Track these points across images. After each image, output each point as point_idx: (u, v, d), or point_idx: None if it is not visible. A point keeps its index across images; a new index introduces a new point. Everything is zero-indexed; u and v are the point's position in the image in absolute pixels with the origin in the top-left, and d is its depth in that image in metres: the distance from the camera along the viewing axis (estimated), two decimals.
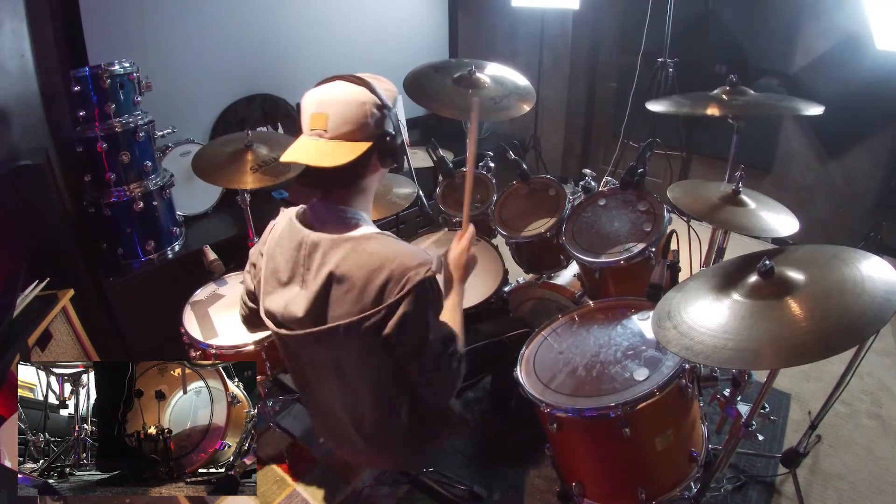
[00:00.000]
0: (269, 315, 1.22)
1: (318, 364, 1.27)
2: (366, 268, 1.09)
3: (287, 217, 1.22)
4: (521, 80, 2.29)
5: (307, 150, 1.11)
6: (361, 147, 1.11)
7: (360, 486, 1.86)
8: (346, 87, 1.12)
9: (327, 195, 1.20)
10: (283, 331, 1.19)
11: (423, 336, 1.14)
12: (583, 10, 3.49)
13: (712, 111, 1.83)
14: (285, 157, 1.13)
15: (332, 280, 1.11)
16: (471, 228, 1.43)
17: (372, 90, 1.12)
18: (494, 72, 2.30)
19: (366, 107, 1.11)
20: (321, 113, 1.11)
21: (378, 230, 1.18)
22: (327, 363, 1.24)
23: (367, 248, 1.11)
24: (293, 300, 1.16)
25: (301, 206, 1.24)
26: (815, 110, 1.71)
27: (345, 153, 1.10)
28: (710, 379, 1.40)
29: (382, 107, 1.13)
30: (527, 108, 2.18)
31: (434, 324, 1.17)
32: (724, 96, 1.88)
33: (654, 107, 1.94)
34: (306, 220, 1.19)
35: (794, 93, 2.83)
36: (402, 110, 1.24)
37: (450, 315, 1.31)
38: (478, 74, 2.23)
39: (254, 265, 1.29)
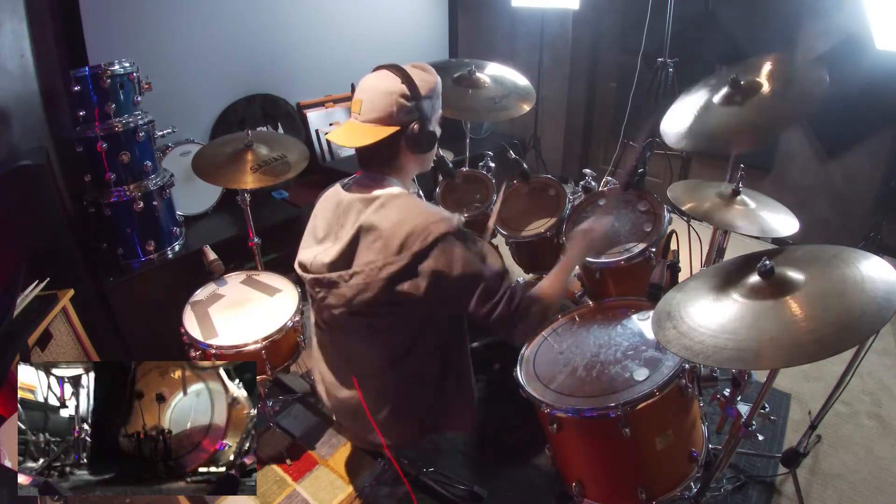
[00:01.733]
0: (301, 265, 1.35)
1: (340, 320, 1.32)
2: (391, 220, 1.20)
3: (334, 186, 1.37)
4: (521, 80, 2.30)
5: (343, 131, 1.28)
6: (385, 132, 1.23)
7: (360, 486, 1.86)
8: (383, 76, 1.25)
9: (369, 170, 1.32)
10: (309, 275, 1.30)
11: (467, 279, 1.20)
12: (583, 10, 3.49)
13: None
14: (329, 136, 1.34)
15: (360, 231, 1.22)
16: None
17: (405, 80, 1.23)
18: (494, 72, 2.30)
19: (392, 96, 1.22)
20: (358, 98, 1.26)
21: (407, 191, 1.29)
22: (347, 319, 1.30)
23: (394, 202, 1.23)
24: (324, 251, 1.28)
25: (348, 179, 1.36)
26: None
27: (368, 136, 1.23)
28: (710, 379, 1.40)
29: (410, 97, 1.23)
30: (527, 108, 2.18)
31: (478, 263, 1.22)
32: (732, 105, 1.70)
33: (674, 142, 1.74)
34: (349, 188, 1.32)
35: None
36: (440, 100, 1.33)
37: (556, 274, 1.38)
38: (478, 74, 2.24)
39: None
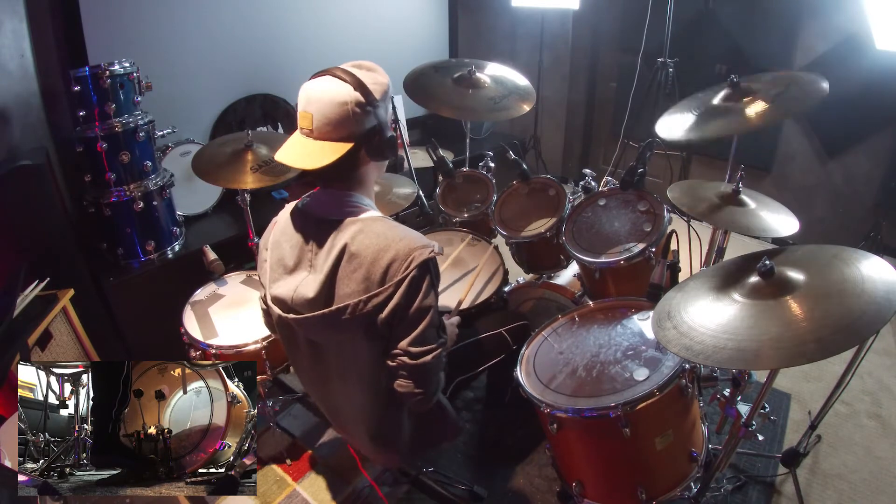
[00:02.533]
0: (277, 301, 1.23)
1: (320, 353, 1.28)
2: (373, 247, 1.12)
3: (289, 209, 1.27)
4: (521, 80, 2.30)
5: (295, 151, 1.15)
6: (344, 147, 1.13)
7: (360, 486, 1.86)
8: (332, 84, 1.13)
9: (328, 186, 1.23)
10: (291, 315, 1.19)
11: (421, 315, 1.15)
12: (583, 10, 3.49)
13: (723, 129, 1.70)
14: (277, 156, 1.18)
15: (341, 259, 1.14)
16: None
17: (358, 86, 1.12)
18: (494, 72, 2.30)
19: (347, 106, 1.11)
20: (307, 112, 1.13)
21: (382, 214, 1.22)
22: (332, 350, 1.26)
23: (373, 228, 1.15)
24: (303, 283, 1.18)
25: (304, 197, 1.27)
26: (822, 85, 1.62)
27: (328, 154, 1.12)
28: (710, 379, 1.40)
29: (366, 104, 1.13)
30: (527, 108, 2.18)
31: (433, 306, 1.18)
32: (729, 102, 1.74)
33: (665, 132, 1.79)
34: (311, 209, 1.23)
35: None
36: (398, 101, 1.26)
37: None
38: (478, 74, 2.24)
39: (264, 261, 1.30)
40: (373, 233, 1.14)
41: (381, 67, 1.23)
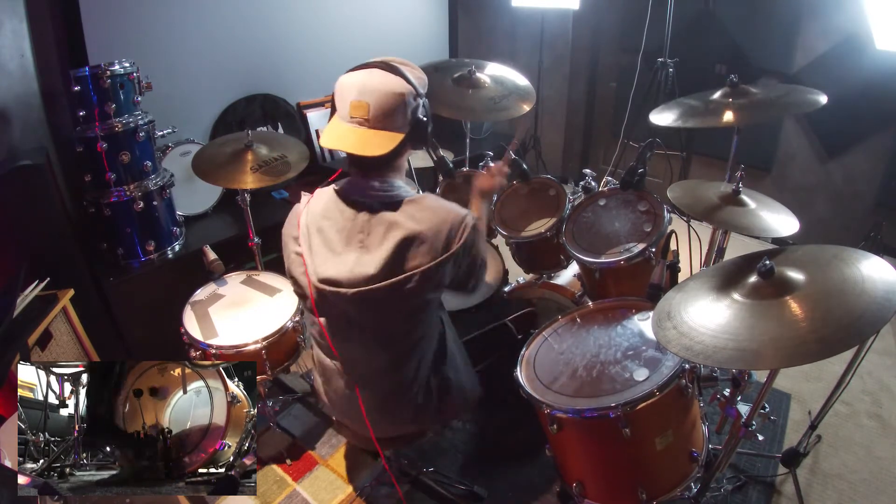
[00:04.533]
0: (328, 281, 1.25)
1: (363, 327, 1.33)
2: (431, 223, 1.23)
3: (327, 194, 1.31)
4: (521, 80, 2.29)
5: (350, 139, 1.20)
6: (399, 136, 1.21)
7: (360, 486, 1.86)
8: (385, 76, 1.19)
9: (366, 174, 1.28)
10: (350, 290, 1.23)
11: (475, 261, 1.35)
12: (583, 10, 3.49)
13: (719, 121, 1.75)
14: (325, 143, 1.22)
15: (404, 240, 1.22)
16: (500, 165, 1.67)
17: (407, 80, 1.20)
18: (494, 72, 2.30)
19: (404, 97, 1.19)
20: (362, 101, 1.17)
21: (419, 193, 1.33)
22: (370, 325, 1.32)
23: (426, 205, 1.26)
24: (359, 262, 1.23)
25: (339, 183, 1.32)
26: (819, 99, 1.68)
27: (386, 142, 1.19)
28: (710, 379, 1.40)
29: (417, 95, 1.22)
30: (527, 108, 2.18)
31: (482, 253, 1.38)
32: (728, 99, 1.80)
33: (658, 119, 1.88)
34: (353, 195, 1.28)
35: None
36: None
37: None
38: (478, 74, 2.23)
39: (297, 254, 1.31)
40: (428, 209, 1.25)
41: None
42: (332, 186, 1.32)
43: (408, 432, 1.54)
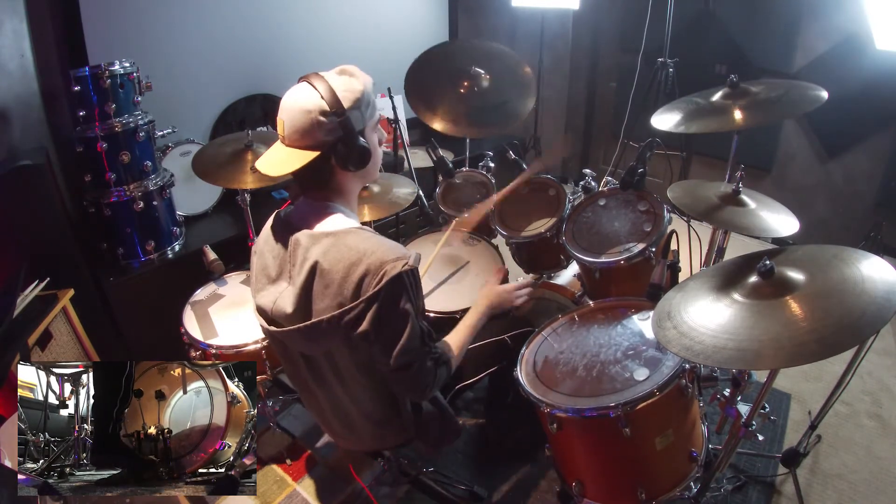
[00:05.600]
0: (261, 311, 1.24)
1: (312, 359, 1.28)
2: (344, 261, 1.11)
3: (275, 217, 1.27)
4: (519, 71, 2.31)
5: (268, 157, 1.18)
6: (310, 155, 1.12)
7: (359, 486, 1.86)
8: (302, 92, 1.13)
9: (308, 194, 1.23)
10: (272, 328, 1.21)
11: (400, 328, 1.15)
12: (583, 10, 3.49)
13: (723, 125, 1.71)
14: (257, 164, 1.21)
15: (314, 274, 1.13)
16: (529, 281, 1.50)
17: (327, 93, 1.11)
18: (493, 65, 2.33)
19: (312, 115, 1.10)
20: (280, 119, 1.15)
21: (359, 225, 1.21)
22: (320, 358, 1.26)
23: (346, 242, 1.13)
24: (282, 296, 1.18)
25: (288, 205, 1.28)
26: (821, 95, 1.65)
27: (294, 161, 1.13)
28: (710, 379, 1.40)
29: (331, 112, 1.11)
30: (530, 103, 2.21)
31: (412, 317, 1.16)
32: (729, 101, 1.75)
33: (660, 123, 1.82)
34: (291, 218, 1.22)
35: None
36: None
37: (460, 332, 1.39)
38: (476, 69, 2.26)
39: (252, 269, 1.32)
40: (344, 246, 1.12)
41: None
42: (285, 208, 1.27)
43: (384, 446, 1.52)
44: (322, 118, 1.11)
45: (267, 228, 1.27)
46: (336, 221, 1.19)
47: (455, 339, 1.39)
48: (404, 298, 1.13)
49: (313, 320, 1.13)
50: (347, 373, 1.26)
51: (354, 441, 1.47)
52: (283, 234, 1.20)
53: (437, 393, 1.43)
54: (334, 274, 1.11)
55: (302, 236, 1.16)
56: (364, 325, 1.11)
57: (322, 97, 1.11)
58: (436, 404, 1.46)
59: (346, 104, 1.12)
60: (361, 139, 1.16)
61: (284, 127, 1.14)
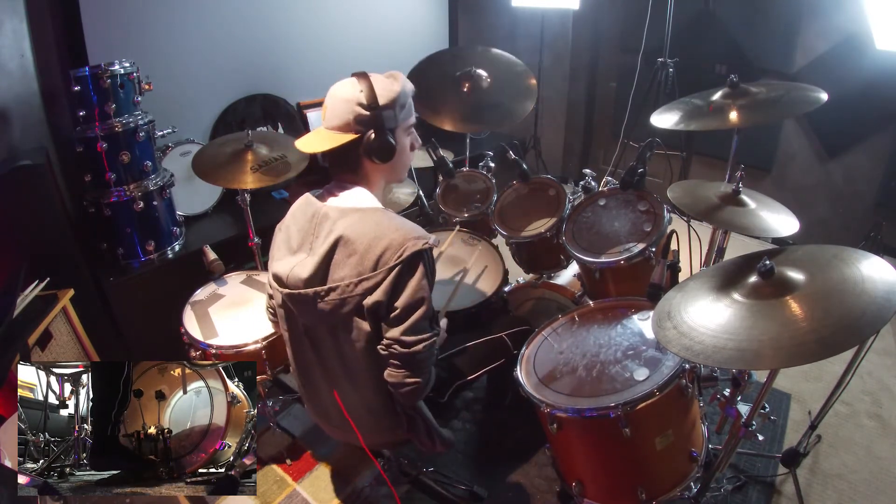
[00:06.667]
0: (276, 278, 1.32)
1: (317, 340, 1.32)
2: (368, 235, 1.19)
3: (305, 195, 1.35)
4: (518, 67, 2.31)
5: (307, 137, 1.30)
6: (342, 138, 1.25)
7: (360, 485, 1.86)
8: (346, 84, 1.27)
9: (339, 178, 1.33)
10: (285, 290, 1.28)
11: (413, 302, 1.20)
12: (583, 10, 3.49)
13: (722, 123, 1.73)
14: (296, 142, 1.33)
15: (337, 244, 1.21)
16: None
17: (366, 89, 1.23)
18: (493, 66, 2.33)
19: (350, 104, 1.23)
20: (324, 105, 1.29)
21: (384, 208, 1.30)
22: (325, 337, 1.30)
23: (372, 217, 1.23)
24: (300, 264, 1.26)
25: (325, 187, 1.35)
26: (820, 97, 1.66)
27: (326, 142, 1.26)
28: (710, 379, 1.40)
29: (367, 105, 1.23)
30: (529, 105, 2.21)
31: (427, 295, 1.23)
32: (729, 100, 1.77)
33: (660, 121, 1.84)
34: (322, 197, 1.32)
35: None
36: (408, 112, 1.33)
37: None
38: (477, 71, 2.26)
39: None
40: (371, 221, 1.21)
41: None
42: (314, 189, 1.36)
43: (387, 441, 1.52)
44: (358, 108, 1.23)
45: (295, 206, 1.35)
46: (365, 199, 1.29)
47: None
48: (421, 273, 1.20)
49: (331, 285, 1.20)
50: (350, 353, 1.29)
51: (350, 433, 1.47)
52: (311, 210, 1.29)
53: (423, 406, 1.43)
54: (358, 245, 1.19)
55: (331, 210, 1.25)
56: (378, 295, 1.18)
57: (362, 91, 1.23)
58: (423, 419, 1.44)
59: (381, 101, 1.24)
60: (390, 136, 1.27)
61: (326, 112, 1.27)
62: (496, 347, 1.64)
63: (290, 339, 1.40)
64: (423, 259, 1.20)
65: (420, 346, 1.22)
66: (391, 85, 1.26)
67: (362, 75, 1.25)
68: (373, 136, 1.25)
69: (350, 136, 1.24)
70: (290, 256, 1.30)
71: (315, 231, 1.26)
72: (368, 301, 1.19)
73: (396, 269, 1.17)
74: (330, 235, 1.21)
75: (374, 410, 1.38)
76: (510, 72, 2.34)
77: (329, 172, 1.34)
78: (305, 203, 1.32)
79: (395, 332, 1.21)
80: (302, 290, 1.24)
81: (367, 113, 1.23)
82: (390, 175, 1.37)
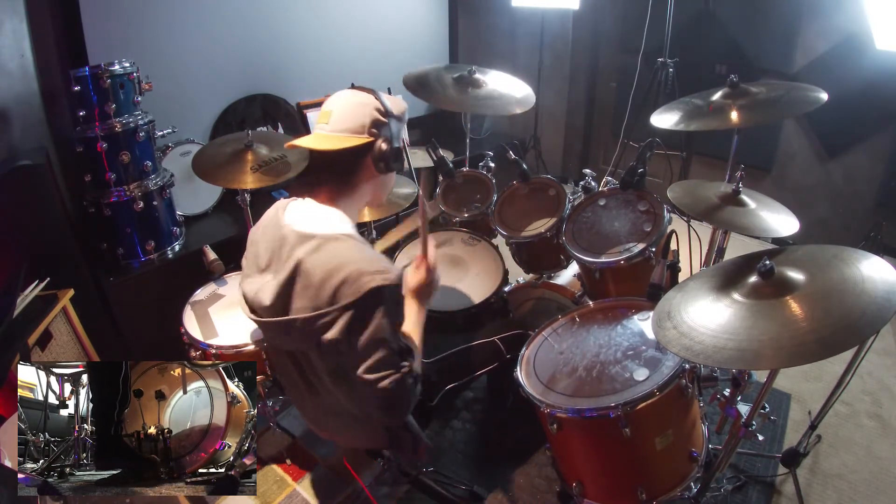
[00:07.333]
0: (245, 297, 1.27)
1: (294, 352, 1.30)
2: (325, 267, 1.12)
3: (276, 207, 1.29)
4: (520, 91, 2.31)
5: (309, 139, 1.25)
6: (355, 140, 1.21)
7: (360, 486, 1.86)
8: (356, 93, 1.27)
9: (317, 193, 1.26)
10: (252, 316, 1.24)
11: (373, 342, 1.11)
12: (583, 10, 3.49)
13: (722, 123, 1.72)
14: (289, 144, 1.27)
15: (296, 272, 1.15)
16: (431, 254, 1.39)
17: (377, 97, 1.24)
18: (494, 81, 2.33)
19: (366, 108, 1.23)
20: (327, 110, 1.25)
21: (351, 233, 1.20)
22: (299, 353, 1.28)
23: (330, 247, 1.14)
24: (264, 287, 1.20)
25: (293, 198, 1.30)
26: (820, 97, 1.67)
27: (338, 142, 1.21)
28: (710, 379, 1.40)
29: (384, 113, 1.24)
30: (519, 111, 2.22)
31: (390, 333, 1.13)
32: (727, 100, 1.78)
33: (660, 121, 1.84)
34: (288, 214, 1.26)
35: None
36: (401, 132, 1.32)
37: (415, 338, 1.31)
38: (477, 75, 2.25)
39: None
40: (328, 251, 1.13)
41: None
42: (289, 199, 1.29)
43: (381, 444, 1.48)
44: (376, 113, 1.23)
45: (265, 218, 1.30)
46: (328, 224, 1.20)
47: (415, 347, 1.29)
48: (380, 312, 1.10)
49: (288, 317, 1.15)
50: (320, 376, 1.26)
51: (344, 437, 1.47)
52: (279, 228, 1.22)
53: (411, 419, 1.39)
54: (313, 276, 1.12)
55: (290, 233, 1.19)
56: (334, 333, 1.10)
57: (375, 98, 1.25)
58: (409, 431, 1.41)
59: (393, 111, 1.26)
60: (397, 146, 1.27)
61: (332, 115, 1.23)
62: (489, 351, 1.64)
63: (269, 354, 1.40)
64: (381, 295, 1.09)
65: (386, 383, 1.11)
66: (398, 101, 1.29)
67: (368, 88, 1.27)
68: (384, 143, 1.24)
69: (363, 139, 1.22)
70: (258, 275, 1.24)
71: (279, 252, 1.20)
72: (326, 338, 1.11)
73: (352, 307, 1.08)
74: (289, 261, 1.15)
75: (361, 419, 1.35)
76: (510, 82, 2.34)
77: (312, 178, 1.27)
78: (275, 216, 1.26)
79: (359, 371, 1.12)
80: (263, 320, 1.20)
81: (385, 119, 1.24)
82: (379, 190, 1.34)
